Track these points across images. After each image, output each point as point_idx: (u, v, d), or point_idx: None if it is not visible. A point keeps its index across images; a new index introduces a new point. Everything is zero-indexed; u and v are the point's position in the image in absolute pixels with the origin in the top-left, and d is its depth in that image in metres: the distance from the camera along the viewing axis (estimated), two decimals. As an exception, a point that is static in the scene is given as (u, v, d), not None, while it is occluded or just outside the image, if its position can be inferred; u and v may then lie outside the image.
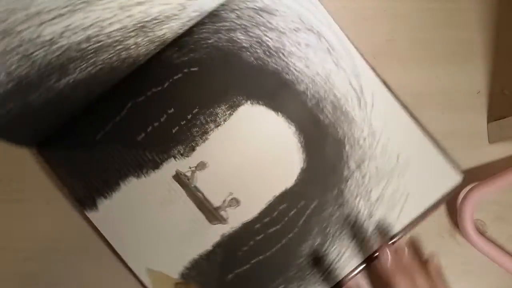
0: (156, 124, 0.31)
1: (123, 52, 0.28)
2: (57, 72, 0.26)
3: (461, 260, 0.34)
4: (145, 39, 0.29)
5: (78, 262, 0.32)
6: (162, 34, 0.29)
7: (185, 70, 0.32)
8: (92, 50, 0.26)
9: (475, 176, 0.34)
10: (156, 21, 0.28)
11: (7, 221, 0.32)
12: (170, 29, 0.30)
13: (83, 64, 0.27)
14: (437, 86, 0.35)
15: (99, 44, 0.26)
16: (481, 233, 0.33)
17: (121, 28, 0.27)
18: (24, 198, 0.32)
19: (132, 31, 0.27)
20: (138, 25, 0.27)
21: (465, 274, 0.34)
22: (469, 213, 0.32)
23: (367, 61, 0.33)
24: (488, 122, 0.34)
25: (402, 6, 0.35)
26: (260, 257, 0.31)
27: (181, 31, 0.31)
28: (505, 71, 0.35)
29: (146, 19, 0.27)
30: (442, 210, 0.34)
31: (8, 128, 0.27)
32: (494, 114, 0.34)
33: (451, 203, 0.34)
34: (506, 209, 0.34)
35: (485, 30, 0.35)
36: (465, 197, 0.33)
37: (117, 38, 0.27)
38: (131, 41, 0.28)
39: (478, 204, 0.33)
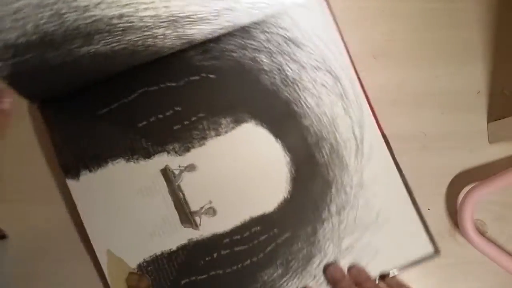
0: (160, 116, 0.32)
1: (150, 40, 0.29)
2: (82, 38, 0.26)
3: (461, 260, 0.33)
4: (174, 33, 0.29)
5: (77, 263, 0.31)
6: (191, 34, 0.30)
7: (203, 74, 0.33)
8: (121, 28, 0.27)
9: (475, 176, 0.34)
10: (189, 19, 0.29)
11: (7, 221, 0.31)
12: (200, 31, 0.30)
13: (109, 38, 0.27)
14: (437, 86, 0.35)
15: (129, 24, 0.27)
16: (481, 233, 0.33)
17: (155, 16, 0.27)
18: (24, 198, 0.32)
19: (164, 21, 0.28)
20: (171, 18, 0.28)
21: (465, 274, 0.33)
22: (469, 213, 0.32)
23: (375, 117, 0.34)
24: (488, 122, 0.35)
25: (401, 6, 0.35)
26: (220, 271, 0.31)
27: (210, 36, 0.32)
28: (505, 71, 0.35)
29: (180, 14, 0.28)
30: (442, 210, 0.34)
31: (20, 78, 0.28)
32: (494, 114, 0.35)
33: (451, 203, 0.34)
34: (506, 209, 0.34)
35: (485, 30, 0.35)
36: (465, 197, 0.33)
37: (148, 24, 0.28)
38: (160, 31, 0.29)
39: (478, 204, 0.33)
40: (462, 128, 0.35)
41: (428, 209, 0.34)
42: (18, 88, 0.29)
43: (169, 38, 0.30)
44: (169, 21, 0.28)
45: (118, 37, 0.27)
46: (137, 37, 0.28)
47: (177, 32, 0.29)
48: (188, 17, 0.28)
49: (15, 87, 0.28)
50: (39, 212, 0.31)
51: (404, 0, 0.35)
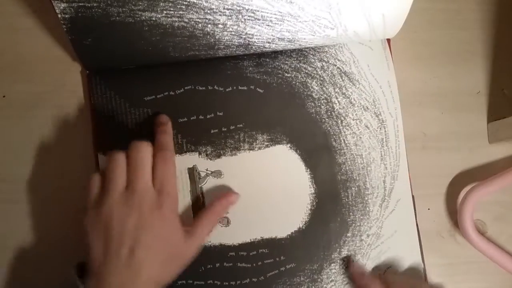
0: (201, 117, 0.32)
1: (209, 26, 0.28)
2: (147, 1, 0.27)
3: (461, 260, 0.33)
4: (234, 27, 0.29)
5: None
6: (250, 35, 0.30)
7: (251, 87, 0.33)
8: (186, 3, 0.27)
9: (475, 176, 0.34)
10: (252, 15, 0.28)
11: (7, 221, 0.31)
12: (259, 34, 0.30)
13: (171, 10, 0.27)
14: (437, 86, 0.35)
15: (195, 0, 0.27)
16: (481, 233, 0.33)
17: (221, -1, 0.27)
18: (23, 198, 0.31)
19: (228, 9, 0.28)
20: (237, 7, 0.28)
21: (465, 274, 0.33)
22: (469, 213, 0.32)
23: (409, 172, 0.33)
24: (488, 122, 0.34)
25: None
26: (217, 282, 0.31)
27: (267, 46, 0.31)
28: (505, 71, 0.35)
29: (245, 6, 0.28)
30: (442, 210, 0.34)
31: (80, 28, 0.28)
32: (494, 114, 0.35)
33: (451, 203, 0.34)
34: (506, 209, 0.34)
35: (485, 30, 0.35)
36: (465, 197, 0.32)
37: (212, 6, 0.27)
38: (222, 19, 0.28)
39: (478, 204, 0.33)
40: (462, 128, 0.35)
41: (428, 209, 0.34)
42: (74, 40, 0.29)
43: (228, 31, 0.29)
44: (233, 9, 0.28)
45: (181, 12, 0.27)
46: (199, 18, 0.28)
47: (238, 26, 0.29)
48: (252, 11, 0.28)
49: (73, 37, 0.28)
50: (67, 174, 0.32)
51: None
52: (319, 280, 0.32)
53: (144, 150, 0.28)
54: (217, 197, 0.31)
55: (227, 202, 0.31)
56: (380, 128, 0.33)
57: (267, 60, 0.33)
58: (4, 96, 0.32)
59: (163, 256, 0.27)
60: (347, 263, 0.32)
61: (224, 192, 0.31)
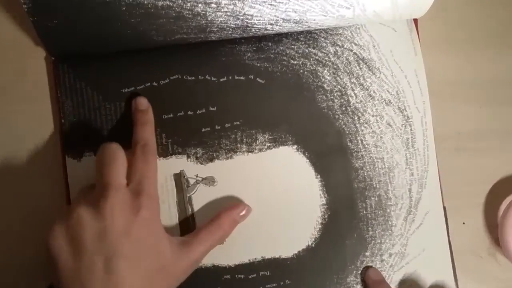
0: (190, 112, 0.28)
1: (200, 5, 0.25)
2: None
3: (502, 285, 0.31)
4: (229, 6, 0.25)
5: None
6: (249, 15, 0.26)
7: (250, 76, 0.29)
8: None
9: None
10: None
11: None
12: (260, 15, 0.26)
13: None
14: (473, 75, 0.31)
15: None
16: None
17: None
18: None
19: None
20: None
21: None
22: None
23: (440, 178, 0.29)
24: None
25: None
26: (210, 308, 0.27)
27: (270, 28, 0.27)
28: None
29: None
30: (480, 224, 0.31)
31: (44, 2, 0.24)
32: None
33: (491, 216, 0.31)
34: None
35: None
36: (507, 209, 0.29)
37: None
38: None
39: None
40: (504, 126, 0.32)
41: (463, 223, 0.31)
42: (37, 22, 0.25)
43: (222, 12, 0.26)
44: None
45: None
46: (188, -4, 0.24)
47: (234, 5, 0.25)
48: (252, -11, 0.24)
49: (35, 18, 0.24)
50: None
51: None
52: (331, 308, 0.27)
53: (113, 146, 0.24)
54: (224, 208, 0.27)
55: (235, 215, 0.27)
56: (405, 126, 0.29)
57: (269, 44, 0.29)
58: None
59: (145, 269, 0.23)
60: (364, 272, 0.28)
61: (232, 203, 0.27)
